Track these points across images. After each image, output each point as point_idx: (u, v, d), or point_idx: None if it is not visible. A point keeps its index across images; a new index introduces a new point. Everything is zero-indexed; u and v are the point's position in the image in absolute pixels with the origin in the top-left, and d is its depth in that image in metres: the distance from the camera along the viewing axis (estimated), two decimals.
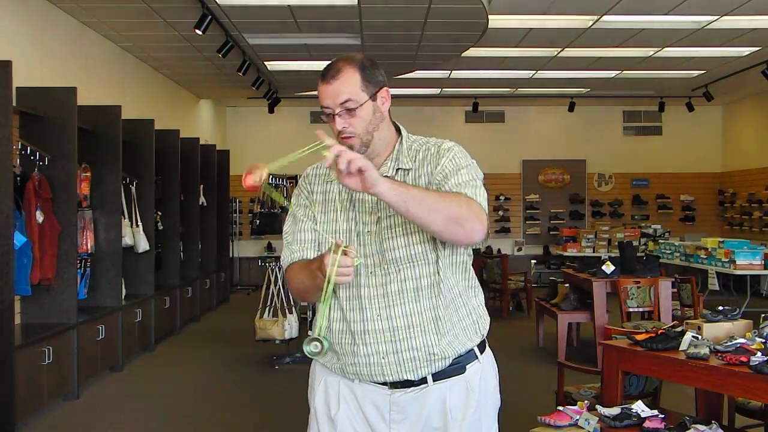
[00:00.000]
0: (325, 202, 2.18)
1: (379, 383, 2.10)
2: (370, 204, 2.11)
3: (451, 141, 2.17)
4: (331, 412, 2.15)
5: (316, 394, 2.20)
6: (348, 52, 2.13)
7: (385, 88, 2.11)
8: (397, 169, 2.12)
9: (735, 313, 3.87)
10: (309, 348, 1.96)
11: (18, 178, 5.33)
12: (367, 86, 2.05)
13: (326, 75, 2.05)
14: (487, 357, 2.21)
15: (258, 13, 7.24)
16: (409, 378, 2.08)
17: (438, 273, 2.09)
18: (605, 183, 14.34)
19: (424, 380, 2.09)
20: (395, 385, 2.10)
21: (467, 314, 2.15)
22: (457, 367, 2.11)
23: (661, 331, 3.67)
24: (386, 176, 2.00)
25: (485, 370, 2.18)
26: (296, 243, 2.20)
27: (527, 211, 14.20)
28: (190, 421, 5.36)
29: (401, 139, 2.18)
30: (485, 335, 2.22)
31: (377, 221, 2.10)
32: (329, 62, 2.09)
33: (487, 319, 2.23)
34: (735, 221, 13.49)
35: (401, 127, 2.20)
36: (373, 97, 2.06)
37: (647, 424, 3.38)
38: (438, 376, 2.09)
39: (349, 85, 2.03)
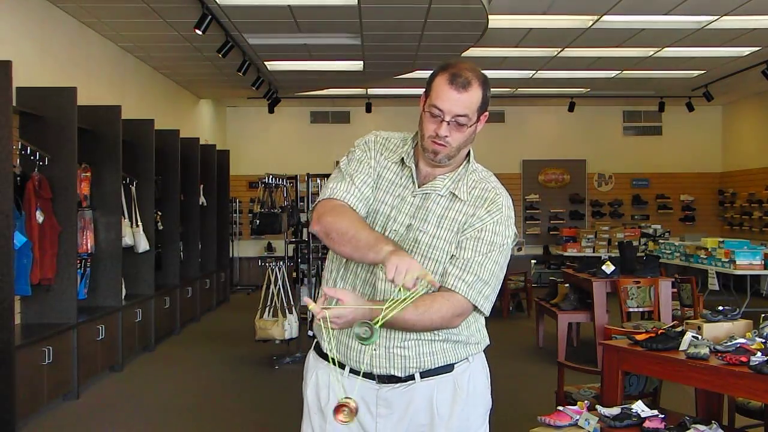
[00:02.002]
0: (380, 178, 2.14)
1: (367, 375, 2.10)
2: (410, 207, 2.10)
3: (506, 195, 2.14)
4: (321, 403, 2.17)
5: (308, 386, 2.22)
6: (472, 63, 2.05)
7: (486, 113, 2.09)
8: (450, 193, 2.10)
9: (735, 313, 3.88)
10: (358, 330, 1.85)
11: (18, 178, 5.33)
12: (480, 108, 2.04)
13: (456, 80, 1.98)
14: (478, 358, 2.21)
15: (258, 13, 7.23)
16: (396, 374, 2.09)
17: None
18: (605, 183, 14.33)
19: (411, 377, 2.10)
20: (382, 379, 2.10)
21: (469, 336, 2.16)
22: (446, 365, 2.12)
23: (661, 331, 3.67)
24: (437, 193, 2.07)
25: (474, 370, 2.18)
26: (356, 188, 2.07)
27: (527, 211, 14.20)
28: (190, 421, 5.36)
29: (467, 163, 2.15)
30: (481, 350, 2.23)
31: (407, 227, 2.09)
32: (454, 64, 2.01)
33: (487, 341, 2.24)
34: (735, 221, 13.49)
35: (470, 149, 2.17)
36: (477, 119, 2.06)
37: (647, 424, 3.38)
38: (426, 374, 2.10)
39: (472, 102, 2.01)
